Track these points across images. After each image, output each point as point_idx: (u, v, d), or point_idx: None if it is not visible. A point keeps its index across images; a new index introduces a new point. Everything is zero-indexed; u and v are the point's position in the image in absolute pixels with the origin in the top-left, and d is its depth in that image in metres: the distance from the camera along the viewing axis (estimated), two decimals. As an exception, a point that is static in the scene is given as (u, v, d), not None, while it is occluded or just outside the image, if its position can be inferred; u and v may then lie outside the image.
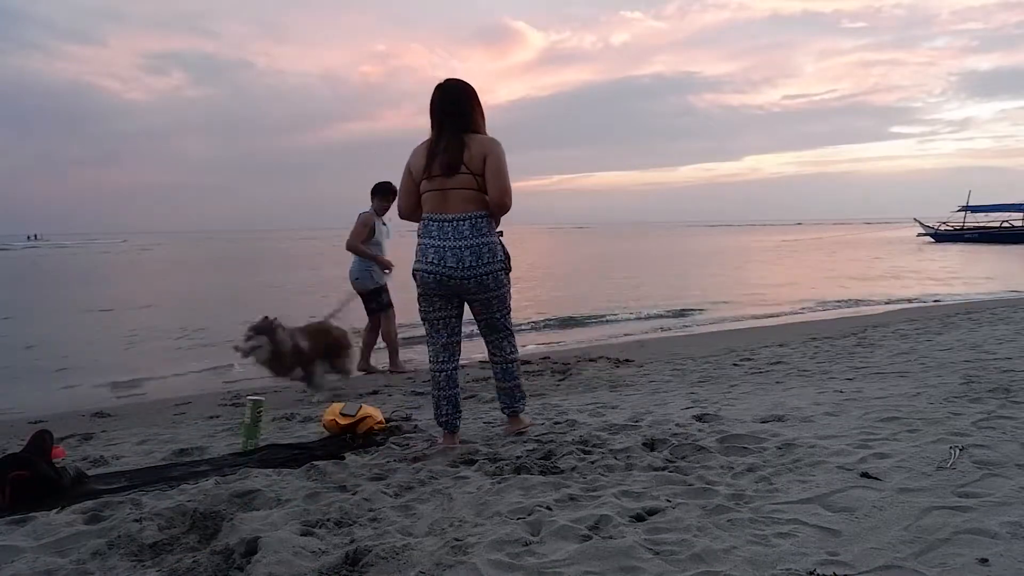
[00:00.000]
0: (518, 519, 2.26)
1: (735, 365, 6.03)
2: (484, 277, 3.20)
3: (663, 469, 2.75)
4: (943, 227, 41.72)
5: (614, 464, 2.82)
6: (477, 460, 3.02)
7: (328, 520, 2.36)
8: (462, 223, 3.18)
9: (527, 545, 2.07)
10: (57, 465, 3.08)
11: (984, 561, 1.79)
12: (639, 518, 2.24)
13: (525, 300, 13.19)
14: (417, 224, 3.36)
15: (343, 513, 2.42)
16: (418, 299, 3.36)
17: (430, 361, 3.43)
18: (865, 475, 2.46)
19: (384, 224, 6.67)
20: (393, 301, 6.80)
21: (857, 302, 12.73)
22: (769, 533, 2.05)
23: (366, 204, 6.63)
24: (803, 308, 12.04)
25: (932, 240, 40.65)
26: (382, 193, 6.54)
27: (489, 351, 3.49)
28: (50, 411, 5.76)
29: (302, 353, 5.46)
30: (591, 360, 6.92)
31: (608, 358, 6.98)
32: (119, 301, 15.68)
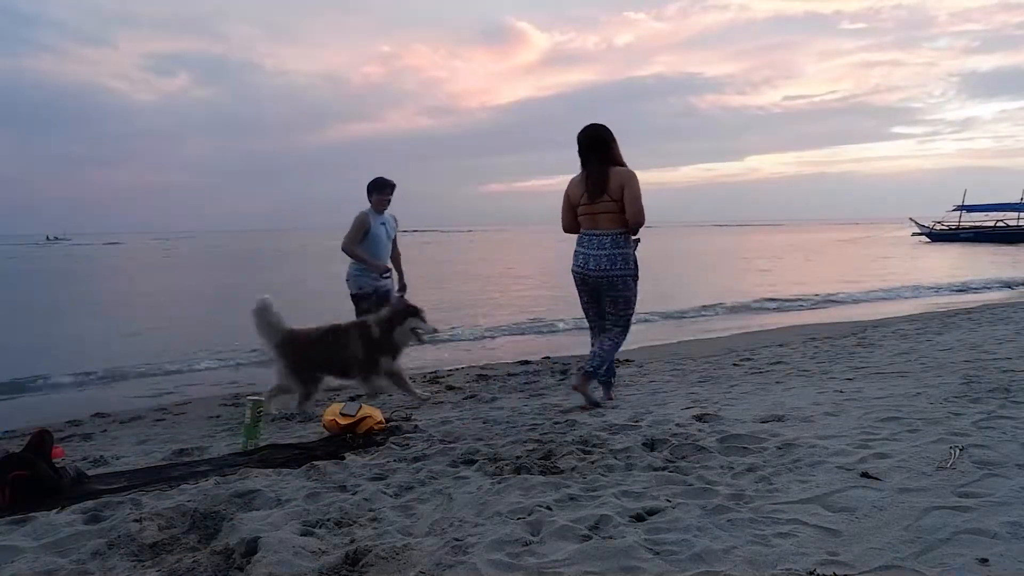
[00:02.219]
0: (518, 519, 2.26)
1: (735, 365, 6.03)
2: (615, 279, 4.15)
3: (663, 469, 2.75)
4: (938, 227, 41.77)
5: (614, 464, 2.82)
6: (477, 460, 3.02)
7: (328, 520, 2.36)
8: (605, 238, 4.16)
9: (527, 545, 2.07)
10: (57, 465, 3.08)
11: (984, 561, 1.79)
12: (639, 518, 2.24)
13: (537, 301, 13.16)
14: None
15: (343, 513, 2.42)
16: (578, 293, 4.38)
17: (592, 343, 4.42)
18: (865, 475, 2.45)
19: (383, 222, 6.21)
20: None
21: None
22: (769, 533, 2.05)
23: (364, 204, 6.31)
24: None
25: (928, 240, 40.69)
26: (377, 189, 6.13)
27: (606, 336, 4.32)
28: (50, 411, 5.76)
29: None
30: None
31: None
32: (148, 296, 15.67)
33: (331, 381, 5.29)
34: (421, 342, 4.90)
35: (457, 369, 6.94)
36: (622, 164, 4.20)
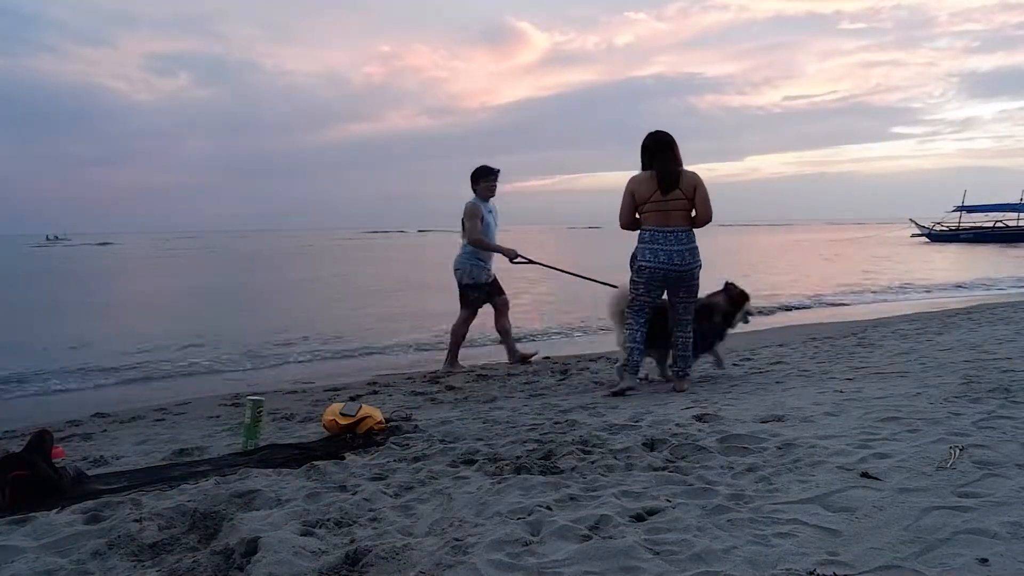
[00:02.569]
0: (518, 519, 2.26)
1: (735, 365, 6.02)
2: (695, 270, 4.58)
3: (663, 469, 2.75)
4: (937, 227, 41.72)
5: (614, 464, 2.82)
6: (477, 460, 3.02)
7: (328, 520, 2.36)
8: (681, 233, 4.52)
9: (527, 545, 2.07)
10: (57, 465, 3.08)
11: (984, 561, 1.79)
12: (639, 518, 2.24)
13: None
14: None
15: (343, 513, 2.43)
16: (637, 285, 4.64)
17: (627, 326, 4.72)
18: (865, 475, 2.45)
19: (490, 210, 6.50)
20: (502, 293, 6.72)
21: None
22: (769, 533, 2.05)
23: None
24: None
25: (928, 241, 40.67)
26: (484, 176, 6.45)
27: (679, 328, 4.72)
28: (50, 411, 5.76)
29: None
30: (591, 360, 6.92)
31: (608, 358, 6.98)
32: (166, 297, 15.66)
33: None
34: (746, 323, 5.48)
35: (457, 369, 6.93)
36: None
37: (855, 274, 18.89)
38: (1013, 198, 39.70)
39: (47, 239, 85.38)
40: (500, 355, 7.18)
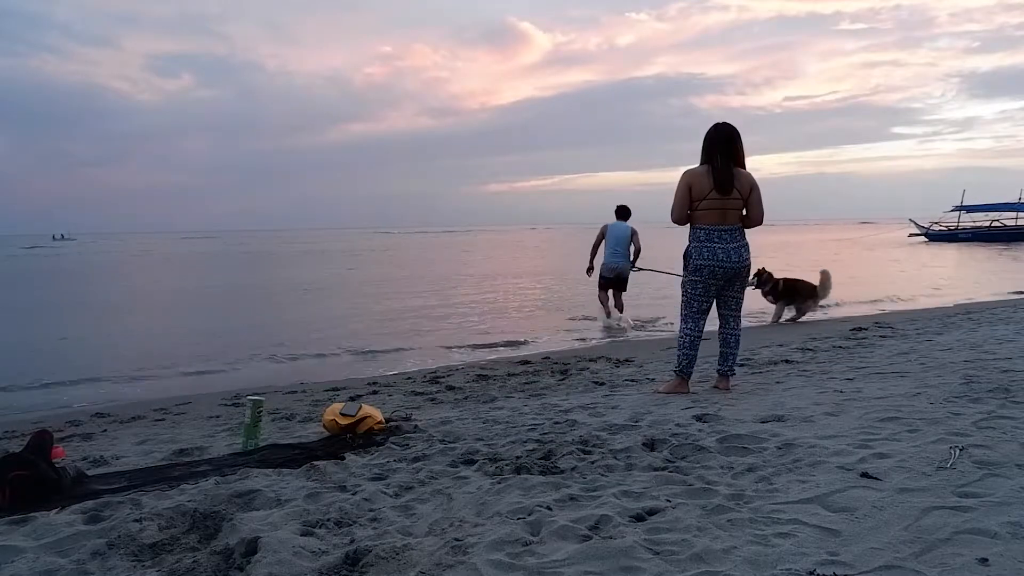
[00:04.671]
0: (518, 519, 2.26)
1: (737, 365, 6.02)
2: (749, 266, 4.56)
3: (663, 469, 2.75)
4: (935, 227, 41.58)
5: (614, 464, 2.82)
6: (477, 460, 3.02)
7: (328, 520, 2.36)
8: (735, 232, 4.43)
9: (527, 545, 2.07)
10: (57, 465, 3.08)
11: (984, 561, 1.79)
12: (639, 518, 2.24)
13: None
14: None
15: (343, 513, 2.43)
16: (696, 285, 4.49)
17: (685, 329, 4.57)
18: (865, 475, 2.45)
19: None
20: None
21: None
22: (769, 533, 2.05)
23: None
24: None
25: (926, 240, 40.55)
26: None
27: (729, 325, 4.62)
28: (51, 411, 5.76)
29: None
30: (591, 360, 6.92)
31: (608, 358, 6.98)
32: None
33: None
34: None
35: (457, 369, 6.94)
36: (744, 166, 4.47)
37: (855, 274, 18.87)
38: (1013, 198, 39.60)
39: (54, 238, 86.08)
40: (499, 355, 7.18)
